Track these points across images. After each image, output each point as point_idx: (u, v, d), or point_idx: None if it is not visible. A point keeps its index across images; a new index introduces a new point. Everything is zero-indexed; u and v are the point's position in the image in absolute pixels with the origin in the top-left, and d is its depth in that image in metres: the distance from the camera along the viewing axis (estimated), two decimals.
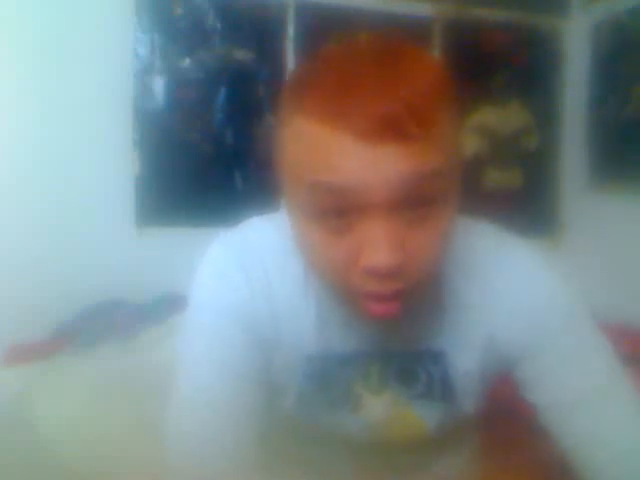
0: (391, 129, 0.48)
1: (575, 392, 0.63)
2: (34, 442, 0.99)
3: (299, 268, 0.65)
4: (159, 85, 2.16)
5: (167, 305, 1.84)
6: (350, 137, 0.49)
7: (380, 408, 0.69)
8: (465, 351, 0.67)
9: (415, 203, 0.51)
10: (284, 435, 0.69)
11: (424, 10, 2.37)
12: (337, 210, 0.52)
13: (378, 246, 0.50)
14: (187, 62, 2.19)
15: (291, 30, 2.27)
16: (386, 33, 0.57)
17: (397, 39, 0.55)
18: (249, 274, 0.65)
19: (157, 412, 0.65)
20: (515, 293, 0.65)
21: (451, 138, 0.54)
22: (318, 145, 0.51)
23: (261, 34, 2.25)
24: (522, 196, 2.56)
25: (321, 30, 2.27)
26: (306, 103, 0.52)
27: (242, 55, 2.24)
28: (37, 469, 0.91)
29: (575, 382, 0.63)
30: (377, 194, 0.50)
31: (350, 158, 0.49)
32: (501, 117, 2.52)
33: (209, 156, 2.22)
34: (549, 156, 2.58)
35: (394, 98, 0.49)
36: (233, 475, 0.60)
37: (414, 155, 0.49)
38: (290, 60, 2.28)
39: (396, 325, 0.64)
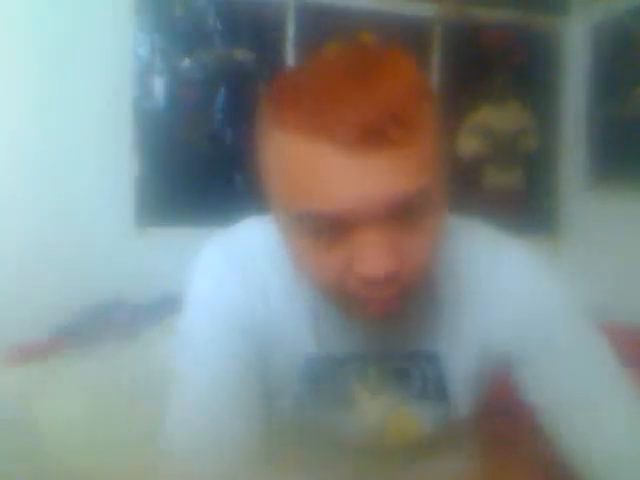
0: (374, 136, 0.47)
1: (572, 393, 0.63)
2: (34, 442, 0.99)
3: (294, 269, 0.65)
4: (159, 85, 2.16)
5: (167, 305, 1.84)
6: (332, 149, 0.47)
7: (376, 410, 0.69)
8: (460, 352, 0.67)
9: (405, 213, 0.50)
10: (282, 436, 0.69)
11: (424, 10, 2.37)
12: (326, 228, 0.51)
13: (371, 255, 0.50)
14: (187, 62, 2.19)
15: (291, 30, 2.27)
16: (380, 35, 0.58)
17: (375, 46, 0.55)
18: (244, 275, 0.65)
19: (157, 412, 0.65)
20: (510, 294, 0.65)
21: (436, 142, 0.53)
22: (301, 166, 0.49)
23: (261, 34, 2.25)
24: (522, 196, 2.56)
25: (321, 30, 2.27)
26: (285, 118, 0.50)
27: (242, 55, 2.24)
28: (37, 469, 0.91)
29: (572, 383, 0.63)
30: (366, 210, 0.49)
31: (334, 175, 0.48)
32: (501, 117, 2.52)
33: (209, 156, 2.22)
34: (549, 156, 2.58)
35: (374, 105, 0.48)
36: (232, 477, 0.60)
37: (400, 163, 0.48)
38: (290, 60, 2.28)
39: (391, 326, 0.64)
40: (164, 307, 1.83)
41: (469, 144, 2.47)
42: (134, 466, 0.78)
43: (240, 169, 2.25)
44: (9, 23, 1.96)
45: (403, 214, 0.50)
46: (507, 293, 0.65)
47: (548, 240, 2.49)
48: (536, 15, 2.52)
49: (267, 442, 0.64)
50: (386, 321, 0.59)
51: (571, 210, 2.55)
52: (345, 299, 0.56)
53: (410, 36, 2.31)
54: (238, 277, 0.65)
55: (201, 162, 2.21)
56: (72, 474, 0.90)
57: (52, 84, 2.01)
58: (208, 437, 0.61)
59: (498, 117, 2.51)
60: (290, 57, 2.27)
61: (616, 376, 0.63)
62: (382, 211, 0.49)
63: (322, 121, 0.48)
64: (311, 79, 0.51)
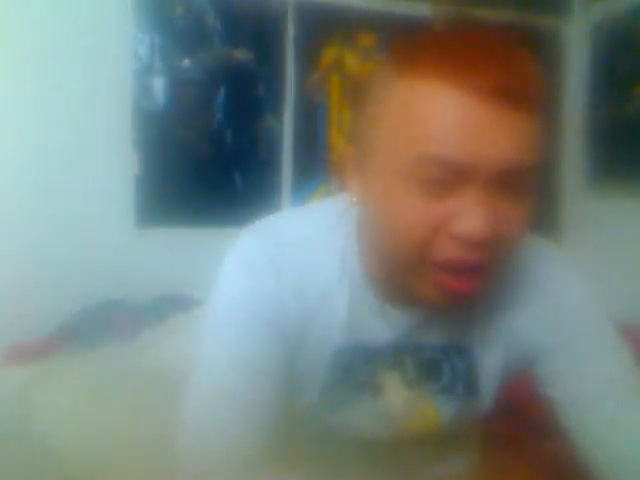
0: (514, 96, 0.51)
1: (593, 389, 0.65)
2: (34, 442, 0.99)
3: (333, 259, 0.65)
4: (159, 85, 2.16)
5: (167, 305, 1.84)
6: (473, 100, 0.50)
7: (402, 399, 0.69)
8: (490, 348, 0.68)
9: (513, 183, 0.53)
10: (299, 431, 0.69)
11: (424, 10, 2.37)
12: (439, 178, 0.52)
13: (476, 215, 0.52)
14: (187, 62, 2.18)
15: (291, 30, 2.27)
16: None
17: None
18: (278, 266, 0.64)
19: (156, 412, 0.65)
20: (541, 294, 0.68)
21: (546, 130, 0.58)
22: (436, 111, 0.52)
23: (261, 34, 2.25)
24: None
25: (321, 30, 2.27)
26: (429, 67, 0.52)
27: (242, 55, 2.24)
28: (37, 468, 0.91)
29: (594, 379, 0.65)
30: (487, 169, 0.51)
31: (468, 125, 0.51)
32: None
33: (209, 156, 2.22)
34: (549, 156, 2.58)
35: (516, 73, 0.52)
36: (246, 470, 0.60)
37: (527, 133, 0.53)
38: (290, 60, 2.27)
39: (428, 317, 0.65)
40: (164, 307, 1.83)
41: None
42: (133, 464, 0.79)
43: (240, 169, 2.25)
44: (9, 23, 1.95)
45: (511, 184, 0.53)
46: (538, 294, 0.68)
47: (548, 240, 2.48)
48: (536, 15, 2.52)
49: (283, 436, 0.63)
50: (424, 311, 0.61)
51: (571, 210, 2.55)
52: (422, 269, 0.56)
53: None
54: (271, 268, 0.64)
55: (201, 162, 2.21)
56: (72, 474, 0.90)
57: (52, 84, 2.01)
58: (223, 428, 0.61)
59: None
60: (290, 57, 2.27)
61: (633, 375, 0.66)
62: (498, 172, 0.52)
63: (468, 72, 0.51)
64: (456, 40, 0.55)
